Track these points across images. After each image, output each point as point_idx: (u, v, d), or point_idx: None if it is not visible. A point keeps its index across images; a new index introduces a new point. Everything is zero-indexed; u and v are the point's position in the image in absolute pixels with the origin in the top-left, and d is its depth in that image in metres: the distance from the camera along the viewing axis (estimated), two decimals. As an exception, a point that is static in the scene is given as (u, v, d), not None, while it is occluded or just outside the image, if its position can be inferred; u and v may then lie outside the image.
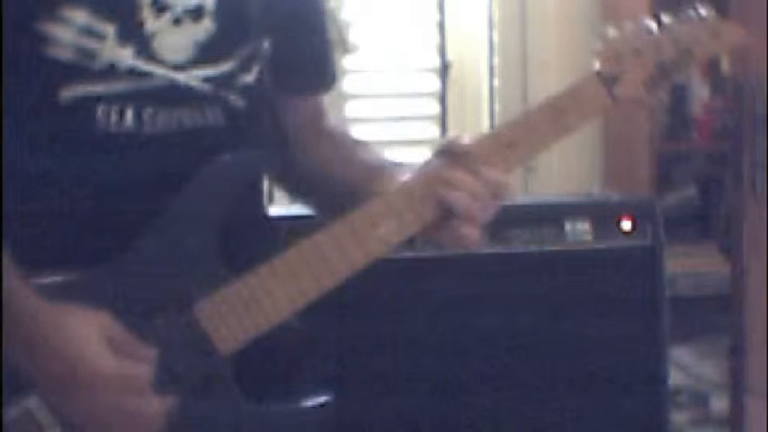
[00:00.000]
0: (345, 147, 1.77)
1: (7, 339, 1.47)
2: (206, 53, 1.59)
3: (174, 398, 1.52)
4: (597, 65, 1.64)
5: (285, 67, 1.71)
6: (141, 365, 1.49)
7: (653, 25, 1.64)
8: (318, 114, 1.79)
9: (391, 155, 1.74)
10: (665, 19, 1.64)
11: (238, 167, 1.60)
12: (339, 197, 1.65)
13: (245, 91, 1.64)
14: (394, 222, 1.58)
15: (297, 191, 1.80)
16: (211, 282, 1.55)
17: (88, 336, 1.48)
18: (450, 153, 1.60)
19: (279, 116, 1.76)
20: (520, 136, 1.62)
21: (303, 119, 1.77)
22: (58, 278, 1.52)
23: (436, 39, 3.79)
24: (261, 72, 1.65)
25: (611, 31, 1.65)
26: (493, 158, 1.61)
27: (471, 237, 1.59)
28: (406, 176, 1.62)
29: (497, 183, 1.59)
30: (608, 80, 1.64)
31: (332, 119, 1.81)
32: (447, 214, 1.58)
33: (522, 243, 2.79)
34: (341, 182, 1.70)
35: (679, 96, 3.87)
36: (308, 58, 1.76)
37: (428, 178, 1.59)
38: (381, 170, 1.68)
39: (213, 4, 1.59)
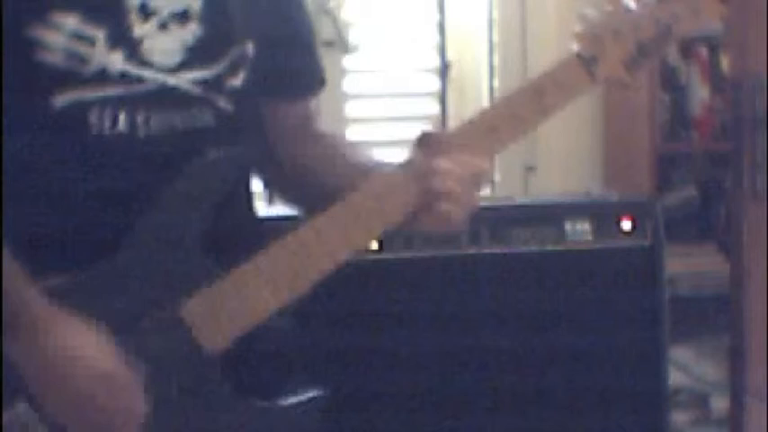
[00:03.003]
0: (334, 150, 1.78)
1: (6, 339, 1.48)
2: (194, 56, 1.60)
3: (162, 398, 1.53)
4: (576, 46, 1.64)
5: (268, 72, 1.71)
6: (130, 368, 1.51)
7: (632, 4, 1.64)
8: (306, 118, 1.80)
9: (391, 155, 1.74)
10: None
11: (225, 166, 1.61)
12: (327, 199, 1.65)
13: (233, 95, 1.65)
14: (377, 214, 1.59)
15: (285, 194, 1.81)
16: (199, 281, 1.55)
17: (91, 341, 1.50)
18: (427, 144, 1.62)
19: (265, 120, 1.77)
20: (501, 119, 1.63)
21: (290, 123, 1.77)
22: (50, 282, 1.52)
23: (436, 39, 3.78)
24: (248, 76, 1.66)
25: (591, 12, 1.65)
26: (473, 143, 1.61)
27: (455, 215, 1.60)
28: (386, 171, 1.63)
29: (475, 166, 1.60)
30: (587, 61, 1.64)
31: (322, 122, 1.81)
32: (430, 200, 1.59)
33: (522, 243, 2.79)
34: (329, 184, 1.71)
35: (679, 96, 3.87)
36: (291, 62, 1.76)
37: (409, 169, 1.61)
38: (368, 169, 1.70)
39: (199, 8, 1.60)
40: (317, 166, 1.75)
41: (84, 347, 1.49)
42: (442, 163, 1.59)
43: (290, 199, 1.81)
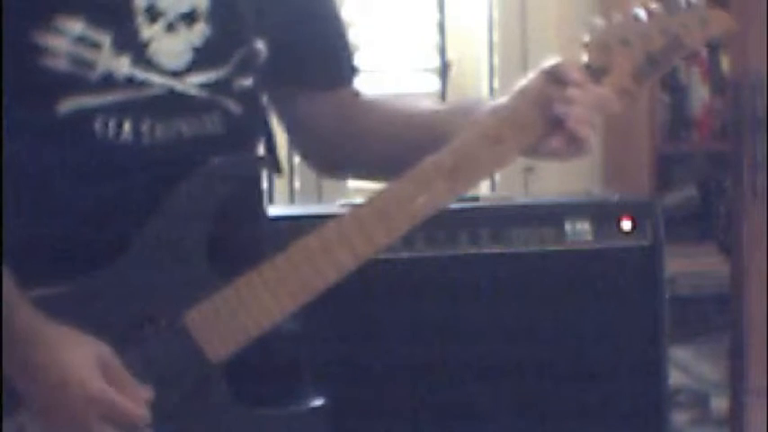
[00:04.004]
0: (399, 104, 1.76)
1: (4, 354, 1.46)
2: (202, 57, 1.57)
3: (165, 407, 1.52)
4: (585, 57, 1.62)
5: (288, 66, 1.69)
6: (132, 404, 1.49)
7: (641, 15, 1.61)
8: (351, 101, 1.75)
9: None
10: (654, 7, 1.61)
11: (227, 171, 1.57)
12: (420, 149, 1.60)
13: (243, 96, 1.62)
14: (382, 224, 1.57)
15: (372, 174, 1.76)
16: (203, 289, 1.54)
17: (82, 360, 1.47)
18: (553, 75, 1.60)
19: (299, 110, 1.74)
20: (508, 131, 1.61)
21: (336, 111, 1.74)
22: (49, 290, 1.50)
23: (436, 39, 3.79)
24: (260, 75, 1.64)
25: (599, 22, 1.62)
26: (479, 152, 1.60)
27: (588, 140, 1.64)
28: (498, 103, 1.62)
29: (604, 97, 1.60)
30: (596, 72, 1.61)
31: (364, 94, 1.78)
32: (552, 128, 1.61)
33: (522, 243, 2.78)
34: (415, 134, 1.68)
35: (679, 96, 3.87)
36: (313, 54, 1.72)
37: (534, 98, 1.60)
38: (459, 107, 1.69)
39: (206, 7, 1.57)
40: (391, 126, 1.72)
41: (75, 367, 1.47)
42: (572, 91, 1.58)
43: (379, 175, 1.77)
